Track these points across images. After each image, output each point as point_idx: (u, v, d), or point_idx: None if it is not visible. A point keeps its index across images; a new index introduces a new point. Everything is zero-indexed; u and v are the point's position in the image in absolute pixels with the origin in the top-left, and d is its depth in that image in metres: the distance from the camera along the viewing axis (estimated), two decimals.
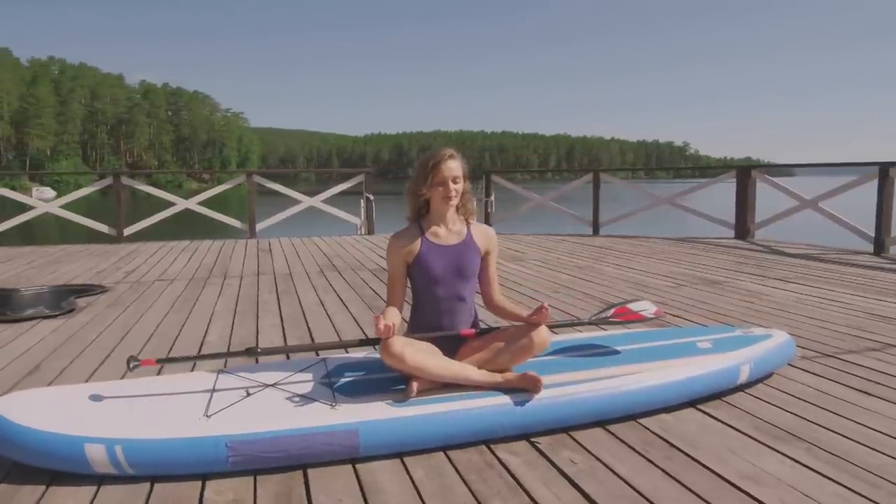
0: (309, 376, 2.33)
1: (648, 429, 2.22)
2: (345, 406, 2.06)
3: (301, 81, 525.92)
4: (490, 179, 10.06)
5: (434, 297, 2.37)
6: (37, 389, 2.28)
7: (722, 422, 2.27)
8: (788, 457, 1.98)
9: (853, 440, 2.10)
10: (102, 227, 8.84)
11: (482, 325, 2.54)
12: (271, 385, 2.23)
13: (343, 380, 2.31)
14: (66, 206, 9.12)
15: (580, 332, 3.11)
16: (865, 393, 2.53)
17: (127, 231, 8.82)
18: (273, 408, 2.06)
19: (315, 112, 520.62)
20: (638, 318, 2.65)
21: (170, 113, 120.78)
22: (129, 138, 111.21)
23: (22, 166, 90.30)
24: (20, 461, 1.91)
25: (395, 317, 2.31)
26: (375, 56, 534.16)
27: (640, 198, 10.01)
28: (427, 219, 2.42)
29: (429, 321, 2.39)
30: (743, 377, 2.50)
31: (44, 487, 1.84)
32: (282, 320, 3.96)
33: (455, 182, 2.33)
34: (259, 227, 9.35)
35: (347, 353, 2.81)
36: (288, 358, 2.80)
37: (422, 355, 2.14)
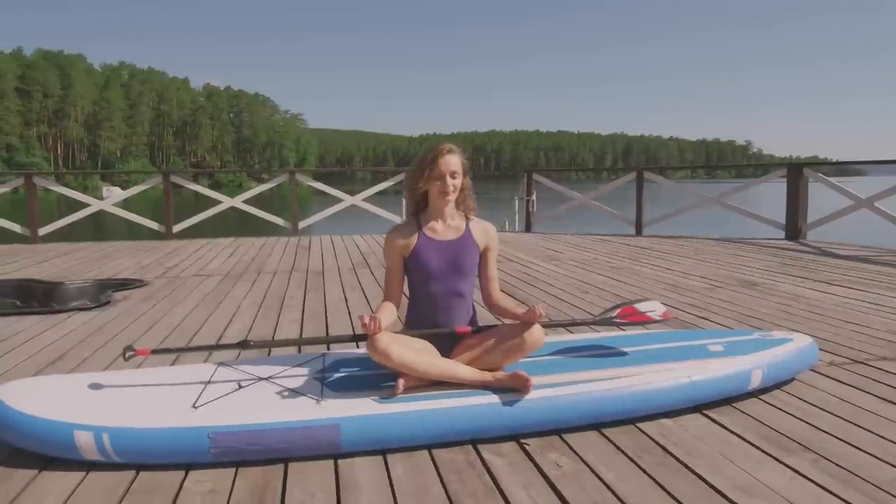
0: (305, 371, 2.34)
1: (646, 433, 2.13)
2: (329, 401, 2.05)
3: (358, 82, 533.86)
4: (531, 178, 9.93)
5: (430, 294, 2.34)
6: (40, 377, 2.36)
7: (726, 428, 2.16)
8: (790, 468, 1.86)
9: (866, 452, 1.96)
10: (153, 225, 9.17)
11: (481, 324, 2.49)
12: (265, 379, 2.25)
13: (336, 375, 2.30)
14: (120, 204, 9.51)
15: (598, 332, 3.02)
16: (891, 402, 2.36)
17: (176, 228, 9.12)
18: (259, 401, 2.07)
19: (371, 112, 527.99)
20: (644, 320, 2.54)
21: (231, 115, 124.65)
22: (193, 140, 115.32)
23: (94, 167, 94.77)
24: (17, 445, 1.98)
25: (388, 312, 2.30)
26: (431, 56, 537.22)
27: (692, 198, 9.66)
28: (425, 214, 2.39)
29: (425, 317, 2.36)
30: (755, 382, 2.37)
31: (36, 471, 1.90)
32: (302, 316, 4.00)
33: (453, 177, 2.29)
34: (303, 224, 9.53)
35: (358, 347, 2.78)
36: (299, 351, 2.82)
37: (409, 352, 2.11)
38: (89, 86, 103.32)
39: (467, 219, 2.41)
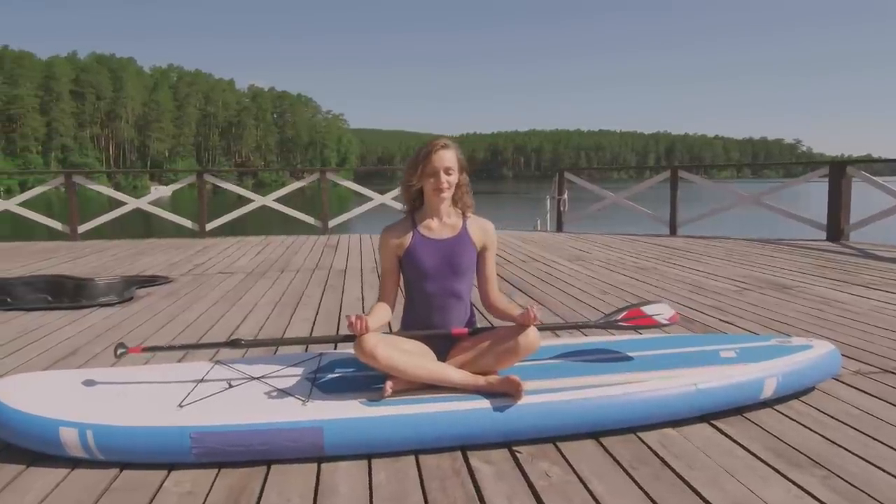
0: (298, 371, 2.30)
1: (646, 443, 2.02)
2: (315, 403, 2.00)
3: (398, 82, 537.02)
4: (563, 178, 9.77)
5: (425, 293, 2.28)
6: (37, 373, 2.38)
7: (732, 440, 2.03)
8: (797, 485, 1.74)
9: (884, 470, 1.81)
10: (187, 223, 9.34)
11: (481, 326, 2.42)
12: (257, 378, 2.22)
13: (329, 376, 2.26)
14: (166, 202, 9.73)
15: (613, 335, 2.91)
16: None
17: (209, 226, 9.27)
18: (246, 401, 2.04)
19: (412, 112, 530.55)
20: (650, 324, 2.43)
21: (275, 116, 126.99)
22: (237, 140, 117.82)
23: (144, 167, 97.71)
24: (8, 441, 1.99)
25: (380, 313, 2.24)
26: (472, 57, 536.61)
27: (732, 198, 9.34)
28: (421, 211, 2.33)
29: (420, 318, 2.30)
30: (768, 392, 2.23)
31: (23, 467, 1.90)
32: (316, 315, 3.99)
33: (448, 173, 2.22)
34: (333, 223, 9.59)
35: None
36: (307, 350, 2.79)
37: (398, 353, 2.05)
38: (139, 88, 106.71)
39: (464, 216, 2.33)
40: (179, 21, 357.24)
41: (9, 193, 9.64)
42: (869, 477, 1.78)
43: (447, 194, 2.25)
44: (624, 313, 2.46)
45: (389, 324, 2.41)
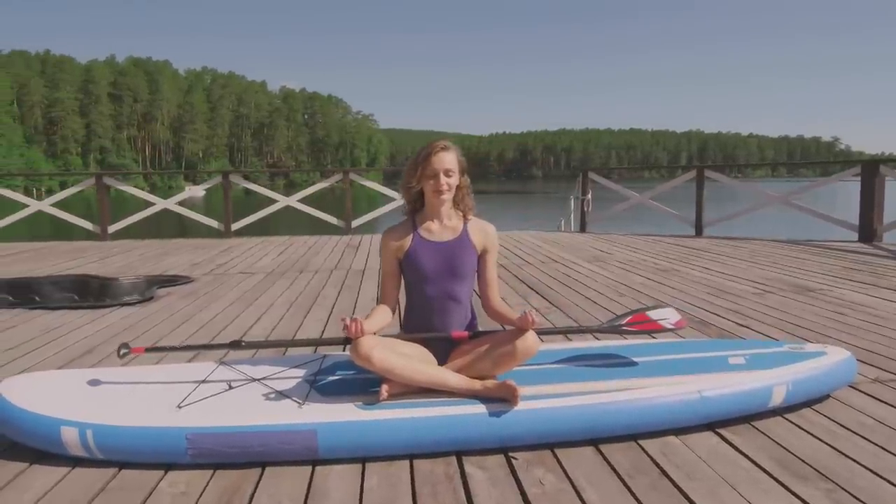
0: (300, 372, 2.31)
1: (646, 452, 1.97)
2: (311, 406, 2.00)
3: (428, 82, 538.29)
4: (587, 178, 9.66)
5: (425, 296, 2.26)
6: (45, 372, 2.43)
7: (738, 450, 1.97)
8: (799, 498, 1.68)
9: (891, 483, 1.74)
10: (213, 223, 9.48)
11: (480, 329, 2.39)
12: (258, 379, 2.23)
13: (329, 378, 2.26)
14: (199, 202, 9.91)
15: (625, 339, 2.86)
16: None
17: (235, 226, 9.40)
18: (243, 403, 2.05)
19: (441, 112, 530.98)
20: (654, 328, 2.37)
21: (306, 116, 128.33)
22: (269, 141, 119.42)
23: (178, 167, 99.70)
24: (15, 439, 2.03)
25: (379, 315, 2.24)
26: (501, 56, 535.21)
27: (763, 198, 9.11)
28: (421, 214, 2.31)
29: (420, 321, 2.28)
30: (777, 400, 2.16)
31: (27, 465, 1.94)
32: (329, 316, 4.00)
33: (447, 175, 2.21)
34: (356, 223, 9.65)
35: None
36: (315, 351, 2.80)
37: (394, 356, 2.04)
38: (175, 90, 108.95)
39: (465, 219, 2.31)
40: (213, 22, 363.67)
41: (49, 194, 10.00)
42: (876, 490, 1.71)
43: (447, 196, 2.23)
44: (628, 318, 2.41)
45: (400, 326, 2.40)
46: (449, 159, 2.21)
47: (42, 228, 14.50)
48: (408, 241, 2.27)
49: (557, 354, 2.44)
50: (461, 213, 2.32)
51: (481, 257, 2.32)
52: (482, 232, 2.31)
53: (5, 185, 10.81)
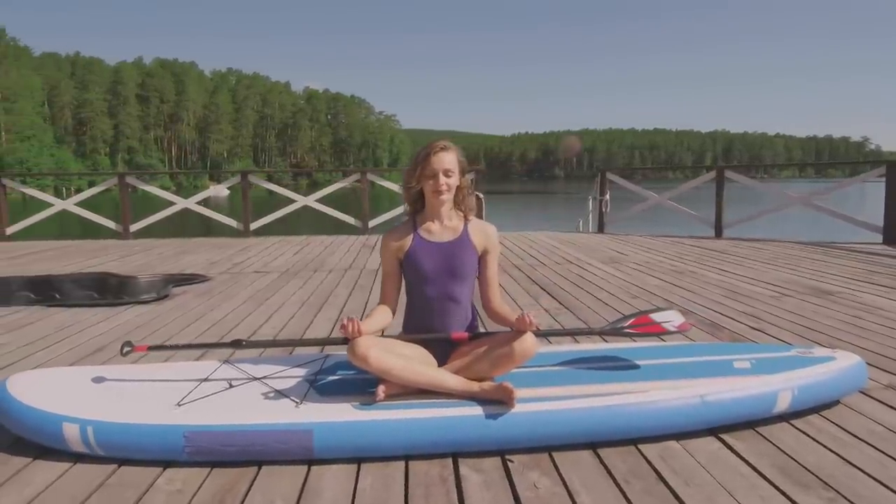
0: (301, 372, 2.32)
1: (645, 456, 1.94)
2: (308, 405, 2.01)
3: (450, 83, 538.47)
4: (605, 178, 9.58)
5: (425, 297, 2.26)
6: (51, 369, 2.46)
7: (739, 456, 1.93)
8: None
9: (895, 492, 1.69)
10: (232, 223, 9.58)
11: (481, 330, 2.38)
12: (259, 378, 2.24)
13: (329, 378, 2.27)
14: (223, 202, 10.04)
15: (631, 342, 2.81)
16: None
17: (253, 226, 9.49)
18: (242, 402, 2.06)
19: (464, 113, 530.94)
20: (657, 331, 2.33)
21: (329, 117, 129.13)
22: (293, 141, 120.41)
23: (204, 167, 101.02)
24: (20, 435, 2.07)
25: (379, 316, 2.24)
26: (524, 56, 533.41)
27: (785, 199, 8.95)
28: (422, 214, 2.31)
29: (420, 322, 2.28)
30: (782, 405, 2.12)
31: (30, 460, 1.98)
32: (339, 315, 4.02)
33: (447, 175, 2.20)
34: (374, 223, 9.69)
35: None
36: (322, 350, 2.81)
37: (391, 357, 2.03)
38: (200, 91, 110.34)
39: (466, 219, 2.30)
40: (238, 23, 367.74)
41: (79, 193, 10.26)
42: (878, 499, 1.66)
43: (447, 196, 2.22)
44: (631, 320, 2.37)
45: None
46: (448, 159, 2.20)
47: (72, 227, 14.77)
48: (408, 242, 2.26)
49: (560, 356, 2.42)
50: (462, 214, 2.31)
51: (482, 258, 2.31)
52: (482, 233, 2.30)
53: (35, 185, 11.05)
